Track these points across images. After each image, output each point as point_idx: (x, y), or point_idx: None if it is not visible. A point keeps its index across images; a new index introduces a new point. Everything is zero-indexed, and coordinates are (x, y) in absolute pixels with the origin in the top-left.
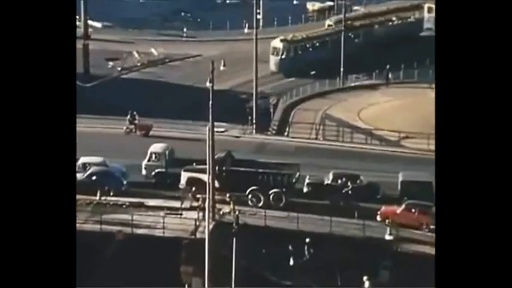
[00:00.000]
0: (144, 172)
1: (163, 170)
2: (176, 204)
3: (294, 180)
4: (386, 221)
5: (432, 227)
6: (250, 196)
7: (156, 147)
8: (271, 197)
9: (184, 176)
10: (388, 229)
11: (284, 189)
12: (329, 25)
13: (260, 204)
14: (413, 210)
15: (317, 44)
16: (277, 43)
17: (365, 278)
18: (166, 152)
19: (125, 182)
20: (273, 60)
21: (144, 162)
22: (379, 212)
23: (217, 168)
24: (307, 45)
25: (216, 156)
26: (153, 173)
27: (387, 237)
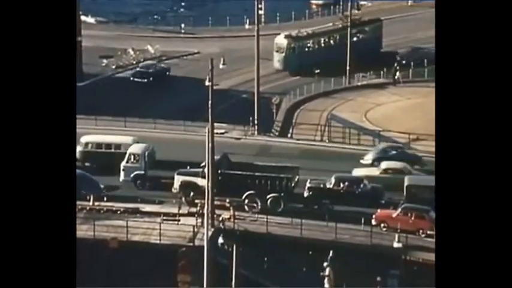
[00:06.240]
0: (122, 174)
1: (142, 172)
2: (173, 209)
3: (293, 184)
4: (382, 225)
5: (429, 232)
6: (246, 201)
7: (135, 147)
8: (268, 202)
9: (178, 179)
10: (396, 236)
11: (282, 194)
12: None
13: (257, 210)
14: (409, 215)
15: (322, 42)
16: (281, 40)
17: (325, 264)
18: (146, 153)
19: (102, 186)
20: (277, 57)
21: (123, 163)
22: (374, 216)
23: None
24: (313, 43)
25: None
26: (131, 176)
27: (395, 245)
